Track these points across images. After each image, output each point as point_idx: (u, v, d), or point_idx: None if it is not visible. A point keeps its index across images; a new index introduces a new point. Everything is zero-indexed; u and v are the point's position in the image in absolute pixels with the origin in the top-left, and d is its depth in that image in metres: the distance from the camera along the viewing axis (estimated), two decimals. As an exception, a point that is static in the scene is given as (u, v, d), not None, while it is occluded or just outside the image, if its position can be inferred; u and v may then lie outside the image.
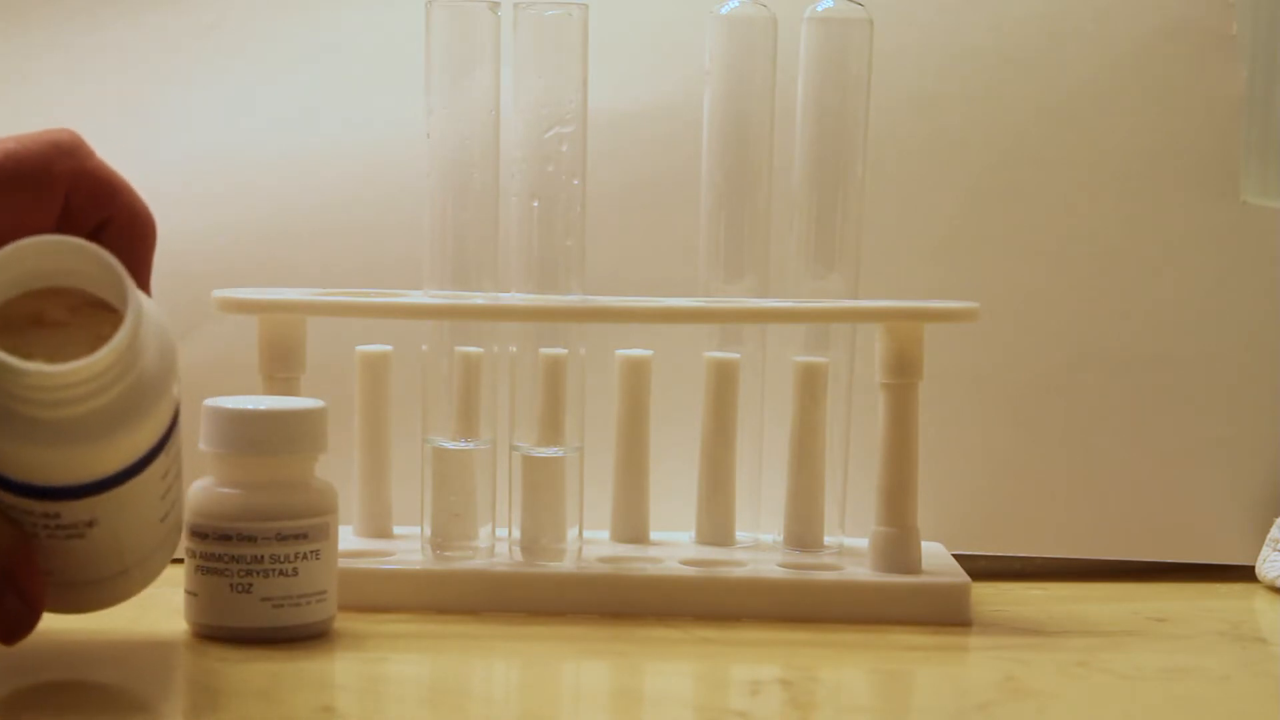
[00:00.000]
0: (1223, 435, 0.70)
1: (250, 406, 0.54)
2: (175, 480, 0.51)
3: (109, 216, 0.51)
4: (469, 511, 0.62)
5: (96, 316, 0.48)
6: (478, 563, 0.61)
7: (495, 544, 0.62)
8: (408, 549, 0.63)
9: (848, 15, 0.63)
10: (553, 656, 0.55)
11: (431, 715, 0.48)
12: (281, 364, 0.61)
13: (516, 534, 0.62)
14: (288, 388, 0.61)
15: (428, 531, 0.62)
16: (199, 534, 0.54)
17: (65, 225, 0.50)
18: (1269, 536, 0.68)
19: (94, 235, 0.50)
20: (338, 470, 0.58)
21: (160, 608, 0.58)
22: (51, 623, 0.57)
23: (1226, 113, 0.70)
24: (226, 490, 0.54)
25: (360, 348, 0.65)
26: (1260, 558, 0.68)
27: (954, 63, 0.70)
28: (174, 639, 0.54)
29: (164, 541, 0.52)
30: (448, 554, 0.62)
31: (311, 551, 0.54)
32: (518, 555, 0.62)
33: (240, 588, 0.53)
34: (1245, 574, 0.68)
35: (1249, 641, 0.58)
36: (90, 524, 0.49)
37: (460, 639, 0.56)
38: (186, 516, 0.54)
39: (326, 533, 0.54)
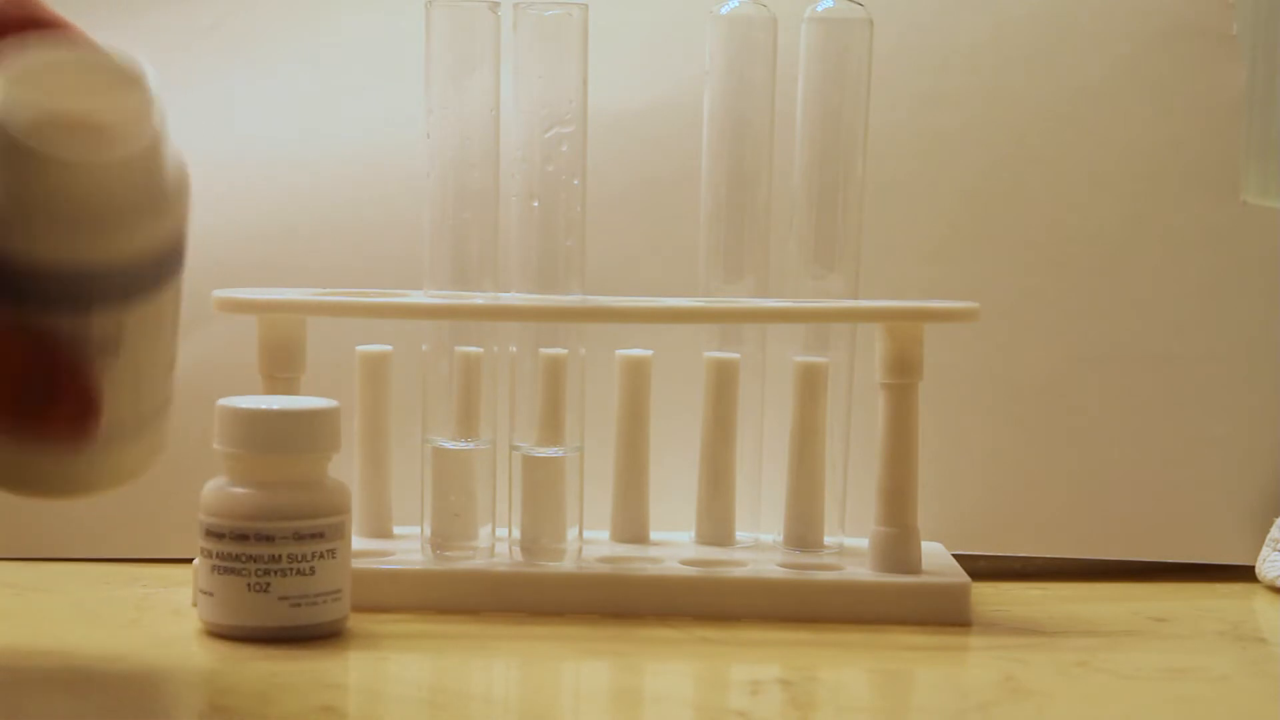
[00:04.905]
0: (1223, 435, 0.70)
1: (266, 406, 0.54)
2: (176, 331, 0.50)
3: None
4: (469, 511, 0.62)
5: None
6: (478, 563, 0.61)
7: (495, 544, 0.62)
8: (408, 549, 0.63)
9: (848, 15, 0.63)
10: (553, 656, 0.55)
11: (432, 715, 0.48)
12: (281, 364, 0.61)
13: (516, 534, 0.62)
14: (288, 388, 0.61)
15: (428, 531, 0.62)
16: (214, 534, 0.54)
17: None
18: (1269, 536, 0.68)
19: None
20: (338, 470, 0.58)
21: (160, 608, 0.58)
22: (52, 621, 0.57)
23: (1226, 113, 0.70)
24: (242, 490, 0.54)
25: (360, 348, 0.65)
26: (1260, 558, 0.68)
27: (954, 63, 0.71)
28: (174, 639, 0.54)
29: (165, 405, 0.50)
30: (448, 554, 0.62)
31: (328, 550, 0.54)
32: (518, 555, 0.62)
33: (258, 587, 0.53)
34: (1245, 574, 0.68)
35: (1249, 641, 0.58)
36: (117, 344, 0.47)
37: (460, 639, 0.56)
38: (200, 516, 0.54)
39: (342, 531, 0.55)
